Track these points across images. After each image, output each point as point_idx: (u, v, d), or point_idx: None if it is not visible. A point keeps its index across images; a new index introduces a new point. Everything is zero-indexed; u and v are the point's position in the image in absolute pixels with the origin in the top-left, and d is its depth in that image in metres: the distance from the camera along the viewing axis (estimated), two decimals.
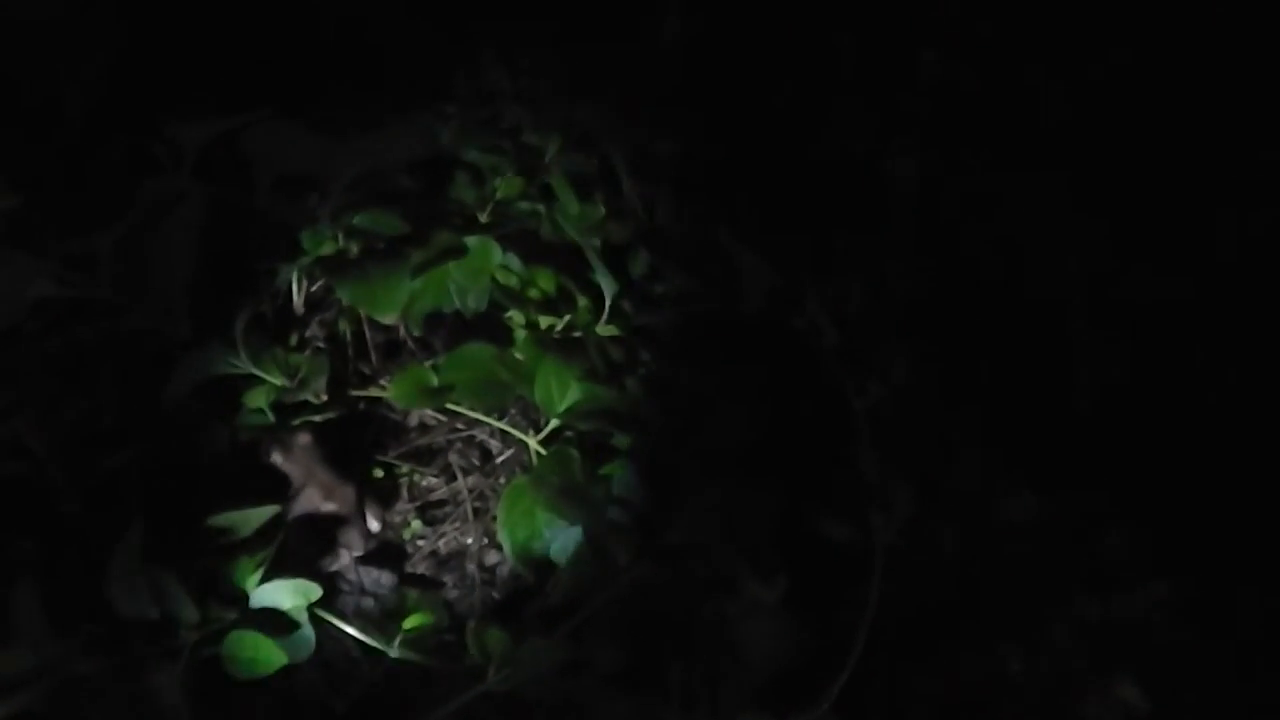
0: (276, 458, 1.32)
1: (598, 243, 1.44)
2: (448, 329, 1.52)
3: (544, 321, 1.48)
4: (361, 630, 1.27)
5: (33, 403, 1.23)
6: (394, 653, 1.25)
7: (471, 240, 1.44)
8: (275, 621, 1.17)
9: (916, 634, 1.33)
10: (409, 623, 1.28)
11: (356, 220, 1.35)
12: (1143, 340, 1.54)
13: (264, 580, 1.19)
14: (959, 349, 1.45)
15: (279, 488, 1.31)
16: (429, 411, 1.48)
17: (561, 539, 1.32)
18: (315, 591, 1.19)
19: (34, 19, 1.18)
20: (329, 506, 1.31)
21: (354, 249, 1.37)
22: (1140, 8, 1.56)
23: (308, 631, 1.20)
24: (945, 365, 1.43)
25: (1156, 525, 1.37)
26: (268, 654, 1.14)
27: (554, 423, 1.38)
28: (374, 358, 1.50)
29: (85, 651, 1.06)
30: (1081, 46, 1.58)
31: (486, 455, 1.47)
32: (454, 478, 1.44)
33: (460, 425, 1.48)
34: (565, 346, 1.45)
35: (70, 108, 1.20)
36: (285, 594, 1.18)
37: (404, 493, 1.42)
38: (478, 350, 1.42)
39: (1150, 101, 1.57)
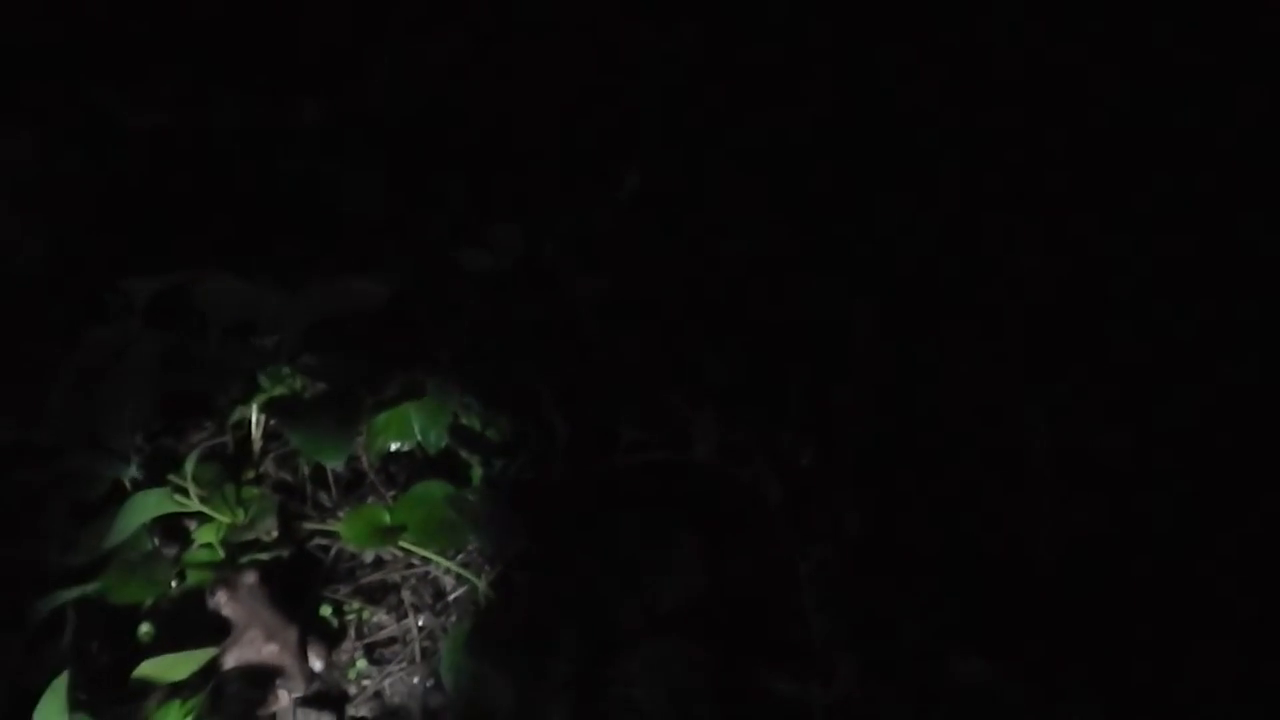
0: (221, 597, 1.32)
1: (554, 388, 1.45)
2: (410, 463, 1.54)
3: (498, 463, 1.49)
4: None
5: None
6: None
7: (433, 379, 1.45)
8: None
9: None
10: None
11: (312, 361, 1.37)
12: (1109, 491, 1.53)
13: None
14: (912, 504, 1.44)
15: (221, 629, 1.31)
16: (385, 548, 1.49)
17: (500, 692, 1.31)
18: None
19: None
20: (270, 649, 1.32)
21: (307, 390, 1.39)
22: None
23: None
24: (898, 520, 1.43)
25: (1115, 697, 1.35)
26: None
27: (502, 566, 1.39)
28: (333, 491, 1.51)
29: None
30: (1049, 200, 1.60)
31: (439, 593, 1.48)
32: (404, 615, 1.45)
33: (415, 562, 1.48)
34: (518, 490, 1.46)
35: (16, 263, 1.23)
36: None
37: (351, 631, 1.43)
38: (431, 489, 1.44)
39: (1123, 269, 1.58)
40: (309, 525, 1.48)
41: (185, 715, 1.20)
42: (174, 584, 1.34)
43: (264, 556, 1.40)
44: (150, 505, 1.30)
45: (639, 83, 1.51)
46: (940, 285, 1.56)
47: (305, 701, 1.34)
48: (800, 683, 1.33)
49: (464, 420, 1.49)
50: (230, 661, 1.31)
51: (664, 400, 1.41)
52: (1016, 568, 1.48)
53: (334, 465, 1.37)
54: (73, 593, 1.27)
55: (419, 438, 1.46)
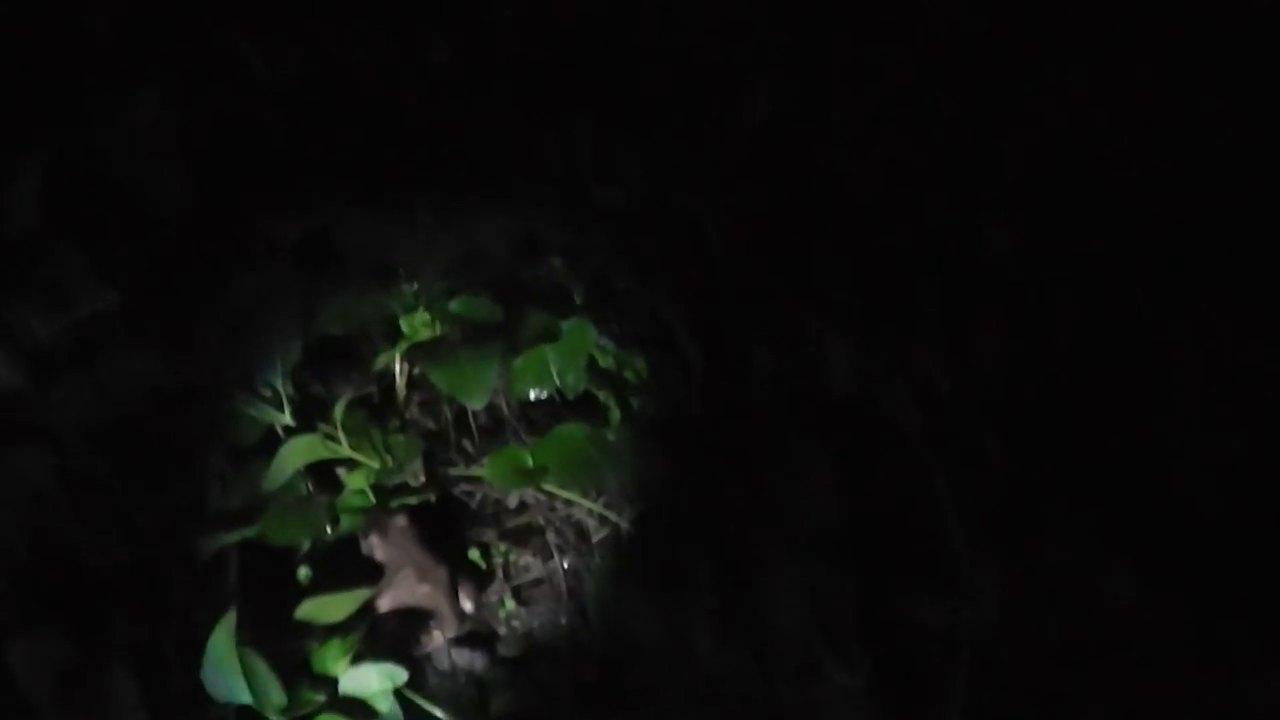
0: (374, 540, 1.35)
1: (687, 322, 1.45)
2: (549, 408, 1.55)
3: (637, 402, 1.49)
4: (451, 713, 1.29)
5: (145, 488, 1.29)
6: None
7: (568, 323, 1.46)
8: (361, 707, 1.19)
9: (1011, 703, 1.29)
10: (497, 705, 1.30)
11: (451, 305, 1.38)
12: (1262, 415, 1.48)
13: (354, 664, 1.21)
14: (1055, 431, 1.41)
15: (374, 571, 1.34)
16: (529, 490, 1.50)
17: (647, 623, 1.32)
18: (402, 675, 1.22)
19: (132, 121, 1.25)
20: (423, 589, 1.34)
21: (449, 333, 1.40)
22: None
23: (395, 716, 1.22)
24: (1040, 448, 1.39)
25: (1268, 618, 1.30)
26: None
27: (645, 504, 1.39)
28: (476, 437, 1.53)
29: None
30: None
31: (583, 534, 1.48)
32: (550, 557, 1.46)
33: (558, 505, 1.49)
34: (657, 427, 1.46)
35: (170, 206, 1.26)
36: (373, 678, 1.21)
37: (499, 573, 1.44)
38: (572, 431, 1.45)
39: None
40: (453, 472, 1.49)
41: (345, 653, 1.22)
42: (328, 528, 1.36)
43: (412, 501, 1.42)
44: (304, 450, 1.33)
45: (765, 12, 1.48)
46: (1081, 202, 1.51)
47: (457, 641, 1.36)
48: (944, 608, 1.30)
49: (600, 361, 1.49)
50: (385, 602, 1.33)
51: (799, 329, 1.38)
52: (1166, 490, 1.43)
53: (476, 407, 1.38)
54: (234, 535, 1.30)
55: (557, 381, 1.47)
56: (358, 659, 1.23)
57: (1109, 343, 1.46)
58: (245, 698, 1.13)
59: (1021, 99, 1.56)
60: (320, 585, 1.30)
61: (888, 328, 1.43)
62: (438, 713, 1.28)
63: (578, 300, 1.50)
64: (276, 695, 1.15)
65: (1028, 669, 1.32)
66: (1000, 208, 1.49)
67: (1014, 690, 1.31)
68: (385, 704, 1.21)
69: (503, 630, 1.40)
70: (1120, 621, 1.32)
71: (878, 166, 1.49)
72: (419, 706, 1.28)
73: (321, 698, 1.19)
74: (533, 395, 1.49)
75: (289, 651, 1.22)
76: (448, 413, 1.50)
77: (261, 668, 1.15)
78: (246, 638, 1.17)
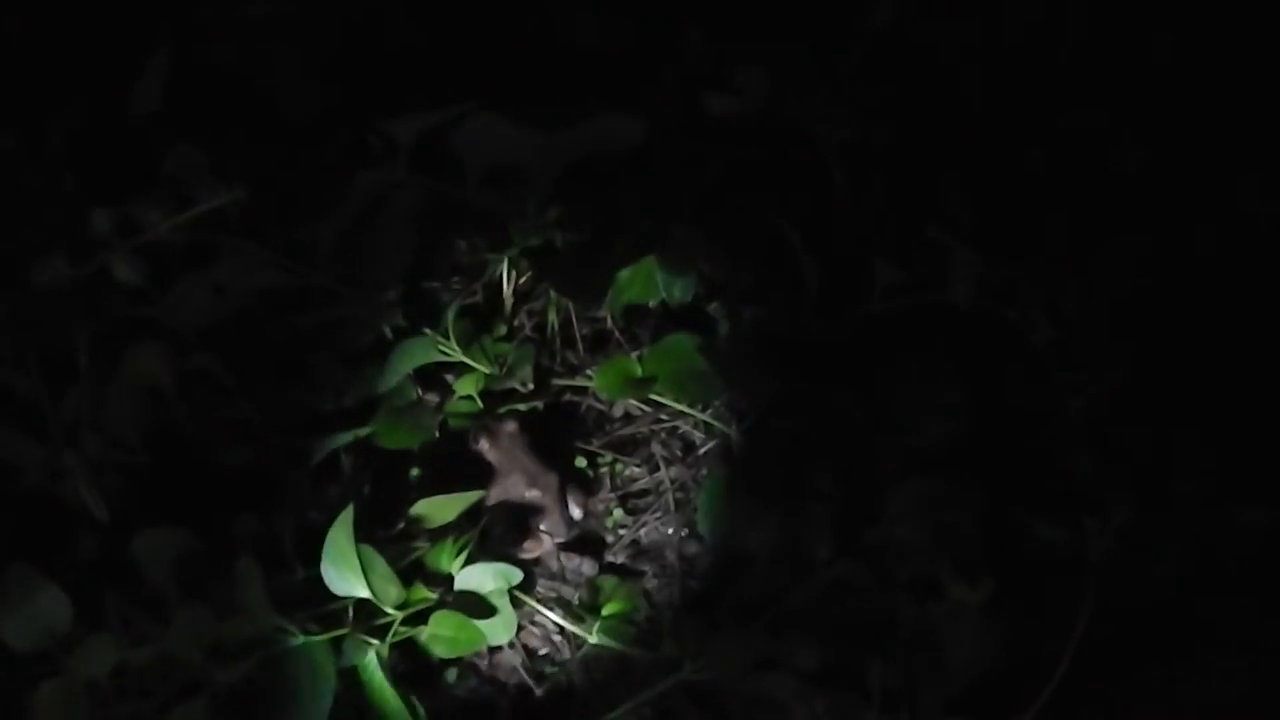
0: (483, 444, 1.35)
1: (803, 234, 1.42)
2: (654, 320, 1.53)
3: (747, 313, 1.47)
4: (561, 616, 1.29)
5: (259, 387, 1.29)
6: (593, 639, 1.27)
7: (676, 230, 1.43)
8: (476, 604, 1.19)
9: (1134, 648, 1.26)
10: (607, 610, 1.30)
11: (563, 212, 1.37)
12: None
13: (466, 564, 1.21)
14: (1185, 350, 1.36)
15: (484, 474, 1.33)
16: (633, 402, 1.49)
17: (761, 532, 1.30)
18: (516, 576, 1.22)
19: (252, 18, 1.24)
20: (532, 494, 1.33)
21: (560, 240, 1.39)
22: None
23: (508, 614, 1.22)
24: (1170, 366, 1.35)
25: None
26: (469, 635, 1.17)
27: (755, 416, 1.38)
28: (581, 348, 1.52)
29: (300, 625, 1.11)
30: None
31: (689, 446, 1.47)
32: (656, 468, 1.45)
33: (664, 416, 1.48)
34: (769, 339, 1.44)
35: (289, 105, 1.25)
36: (487, 577, 1.21)
37: (606, 482, 1.43)
38: (682, 341, 1.43)
39: None
40: (558, 381, 1.49)
41: (457, 553, 1.22)
42: (437, 432, 1.35)
43: (521, 407, 1.41)
44: (416, 353, 1.33)
45: None
46: (1218, 120, 1.45)
47: (566, 546, 1.36)
48: (1070, 527, 1.27)
49: (708, 271, 1.46)
50: (495, 506, 1.33)
51: (920, 240, 1.35)
52: None
53: (589, 313, 1.36)
54: (347, 436, 1.30)
55: (663, 292, 1.44)
56: (470, 559, 1.22)
57: (1244, 266, 1.41)
58: (363, 591, 1.14)
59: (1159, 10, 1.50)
60: (431, 487, 1.30)
61: (1014, 241, 1.39)
62: (550, 615, 1.27)
63: (688, 209, 1.47)
64: (394, 590, 1.15)
65: (1151, 596, 1.29)
66: (1133, 125, 1.44)
67: (1136, 616, 1.27)
68: (500, 602, 1.21)
69: (610, 538, 1.39)
70: (1252, 548, 1.28)
71: (1006, 79, 1.44)
72: (531, 607, 1.28)
73: (435, 595, 1.19)
74: (638, 304, 1.47)
75: (402, 550, 1.22)
76: (554, 321, 1.49)
77: (379, 562, 1.15)
78: (361, 535, 1.17)
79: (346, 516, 1.15)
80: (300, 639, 1.10)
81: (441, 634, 1.17)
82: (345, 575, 1.13)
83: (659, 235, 1.43)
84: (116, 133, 1.23)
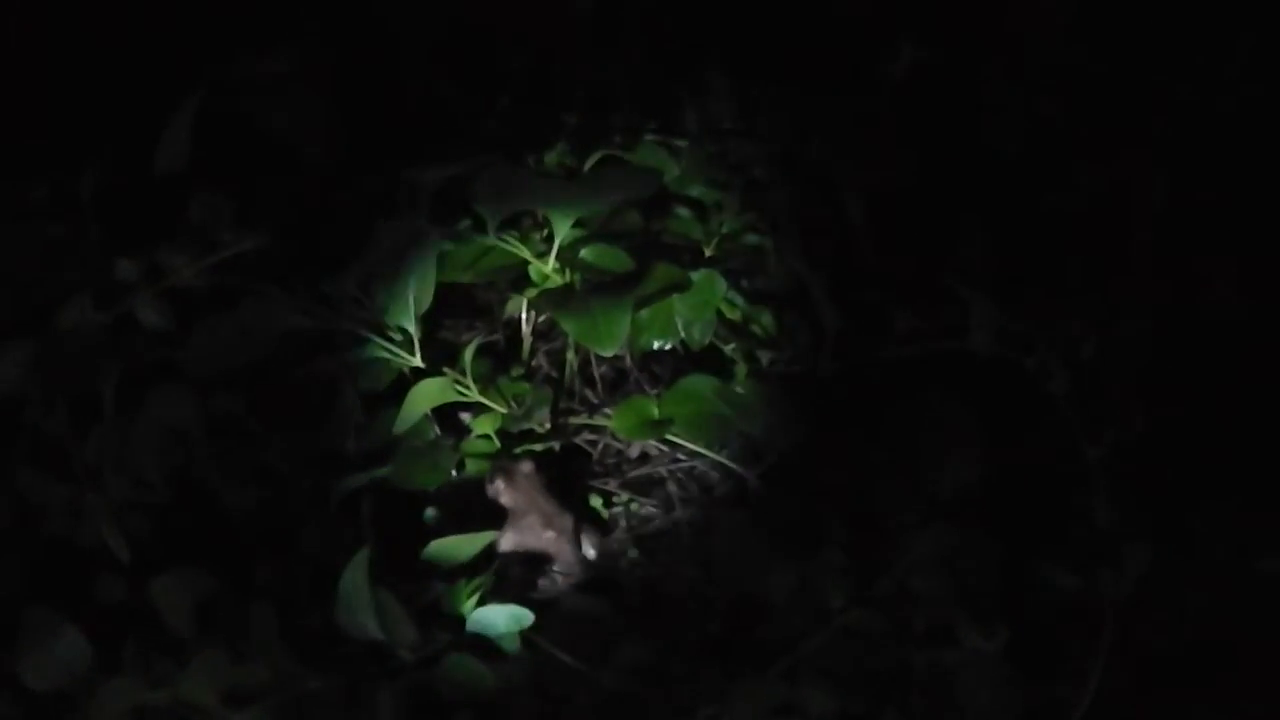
0: (499, 485, 1.36)
1: (823, 279, 1.42)
2: (672, 361, 1.54)
3: (765, 357, 1.47)
4: (575, 658, 1.30)
5: (281, 430, 1.31)
6: (607, 682, 1.27)
7: (697, 275, 1.45)
8: (489, 646, 1.20)
9: (1152, 697, 1.26)
10: (622, 653, 1.30)
11: (582, 254, 1.38)
12: None
13: (480, 605, 1.22)
14: (1204, 399, 1.36)
15: (499, 515, 1.35)
16: (651, 442, 1.50)
17: (777, 578, 1.31)
18: (528, 618, 1.23)
19: (279, 70, 1.26)
20: (548, 534, 1.34)
21: (579, 282, 1.40)
22: None
23: (521, 657, 1.23)
24: (1189, 415, 1.35)
25: None
26: (481, 678, 1.18)
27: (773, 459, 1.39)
28: (599, 387, 1.53)
29: (314, 669, 1.12)
30: None
31: (706, 488, 1.48)
32: (672, 508, 1.45)
33: (681, 456, 1.49)
34: (787, 383, 1.45)
35: (314, 154, 1.28)
36: (500, 619, 1.22)
37: (621, 522, 1.44)
38: (699, 383, 1.44)
39: None
40: (575, 420, 1.50)
41: (472, 594, 1.23)
42: (454, 472, 1.37)
43: (538, 447, 1.42)
44: (434, 393, 1.34)
45: None
46: (1233, 163, 1.45)
47: (581, 588, 1.37)
48: (1087, 576, 1.27)
49: (728, 314, 1.47)
50: (509, 546, 1.34)
51: (939, 288, 1.35)
52: None
53: (607, 354, 1.37)
54: (365, 476, 1.32)
55: (682, 333, 1.45)
56: (484, 601, 1.23)
57: (1266, 314, 1.40)
58: (377, 634, 1.15)
59: (1171, 55, 1.51)
60: (446, 528, 1.31)
61: (1032, 288, 1.39)
62: (564, 657, 1.28)
63: (707, 253, 1.48)
64: (408, 632, 1.16)
65: (1170, 642, 1.28)
66: (1149, 169, 1.44)
67: (1154, 664, 1.27)
68: (512, 645, 1.22)
69: (625, 580, 1.40)
70: (1275, 598, 1.27)
71: (1024, 125, 1.45)
72: (544, 650, 1.29)
73: (449, 637, 1.20)
74: (656, 346, 1.48)
75: (417, 592, 1.23)
76: (572, 362, 1.50)
77: (393, 605, 1.16)
78: (377, 577, 1.18)
79: (361, 559, 1.16)
80: (315, 683, 1.11)
81: (454, 677, 1.18)
82: (359, 619, 1.15)
83: (680, 277, 1.43)
84: (143, 183, 1.25)
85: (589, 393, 1.53)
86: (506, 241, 1.36)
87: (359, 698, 1.13)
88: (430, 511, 1.36)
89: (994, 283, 1.35)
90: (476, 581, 1.24)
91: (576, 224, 1.36)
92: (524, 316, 1.48)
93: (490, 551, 1.30)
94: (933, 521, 1.30)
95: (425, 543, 1.27)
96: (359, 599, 1.15)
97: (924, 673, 1.25)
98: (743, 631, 1.32)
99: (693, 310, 1.45)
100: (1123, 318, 1.38)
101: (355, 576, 1.15)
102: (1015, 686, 1.23)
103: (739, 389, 1.45)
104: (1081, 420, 1.31)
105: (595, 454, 1.50)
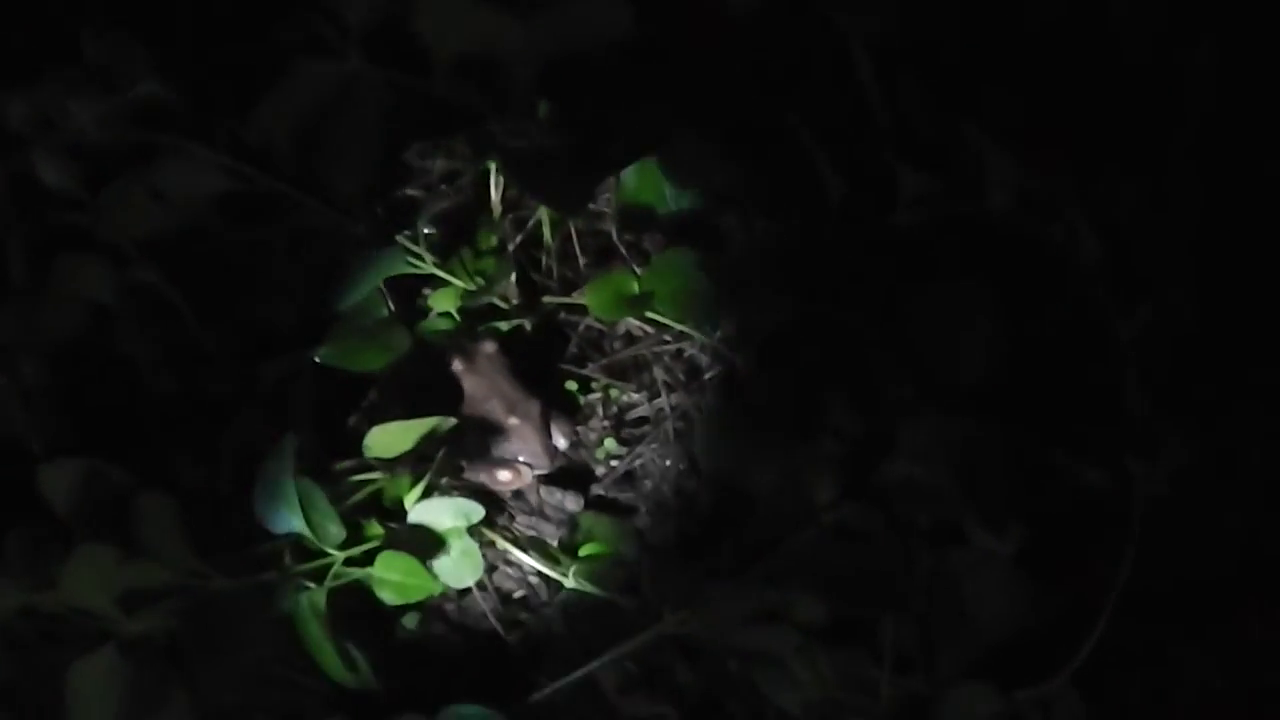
0: (457, 366, 1.22)
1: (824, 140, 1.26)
2: (663, 235, 1.38)
3: (761, 225, 1.31)
4: (536, 557, 1.17)
5: (208, 305, 1.18)
6: (569, 583, 1.14)
7: (682, 134, 1.28)
8: (430, 543, 1.07)
9: (1182, 605, 1.12)
10: (587, 550, 1.19)
11: (550, 109, 1.22)
12: None
13: (424, 498, 1.09)
14: (1257, 275, 1.18)
15: (455, 399, 1.21)
16: (636, 322, 1.35)
17: (765, 469, 1.16)
18: (477, 512, 1.10)
19: None
20: (511, 421, 1.21)
21: (548, 141, 1.24)
22: None
23: (472, 555, 1.11)
24: (1238, 293, 1.17)
25: None
26: (419, 578, 1.05)
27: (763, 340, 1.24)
28: (581, 262, 1.38)
29: (228, 569, 1.00)
30: None
31: (694, 371, 1.33)
32: (656, 394, 1.31)
33: (668, 338, 1.34)
34: (785, 254, 1.29)
35: None
36: (445, 513, 1.09)
37: (600, 409, 1.30)
38: (683, 256, 1.30)
39: None
40: (553, 299, 1.35)
41: (414, 486, 1.10)
42: (408, 352, 1.23)
43: (503, 326, 1.29)
44: (383, 266, 1.20)
45: None
46: None
47: (549, 479, 1.23)
48: (1115, 471, 1.11)
49: (720, 180, 1.31)
50: (467, 434, 1.20)
51: (954, 148, 1.18)
52: None
53: (575, 219, 1.22)
54: (306, 356, 1.18)
55: (669, 201, 1.31)
56: (429, 494, 1.10)
57: None
58: (300, 528, 1.02)
59: None
60: (397, 414, 1.18)
61: (1061, 144, 1.21)
62: (520, 555, 1.15)
63: (696, 107, 1.31)
64: (334, 528, 1.04)
65: (1205, 547, 1.14)
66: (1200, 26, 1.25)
67: (1188, 572, 1.13)
68: (459, 542, 1.09)
69: (600, 470, 1.26)
70: None
71: None
72: (503, 549, 1.16)
73: (387, 533, 1.07)
74: (642, 216, 1.32)
75: (356, 484, 1.11)
76: (548, 235, 1.35)
77: (319, 497, 1.04)
78: (310, 467, 1.05)
79: (286, 446, 1.03)
80: (223, 584, 0.99)
81: (388, 577, 1.05)
82: (281, 511, 1.03)
83: (662, 140, 1.28)
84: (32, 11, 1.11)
85: (566, 269, 1.38)
86: (466, 93, 1.20)
87: (276, 600, 1.01)
88: (376, 395, 1.22)
89: (1020, 142, 1.17)
90: (421, 472, 1.11)
91: (543, 71, 1.20)
92: (493, 180, 1.32)
93: (442, 441, 1.16)
94: (941, 407, 1.14)
95: (364, 430, 1.14)
96: (280, 490, 1.02)
97: (926, 576, 1.11)
98: (726, 529, 1.18)
99: (679, 173, 1.30)
100: (1169, 178, 1.20)
101: (278, 465, 1.03)
102: (1029, 594, 1.09)
103: (730, 263, 1.30)
104: (1113, 295, 1.13)
105: (575, 335, 1.35)
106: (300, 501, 1.02)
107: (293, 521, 1.02)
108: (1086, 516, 1.12)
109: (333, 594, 1.04)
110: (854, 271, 1.28)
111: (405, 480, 1.11)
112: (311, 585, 1.03)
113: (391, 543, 1.07)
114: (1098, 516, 1.11)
